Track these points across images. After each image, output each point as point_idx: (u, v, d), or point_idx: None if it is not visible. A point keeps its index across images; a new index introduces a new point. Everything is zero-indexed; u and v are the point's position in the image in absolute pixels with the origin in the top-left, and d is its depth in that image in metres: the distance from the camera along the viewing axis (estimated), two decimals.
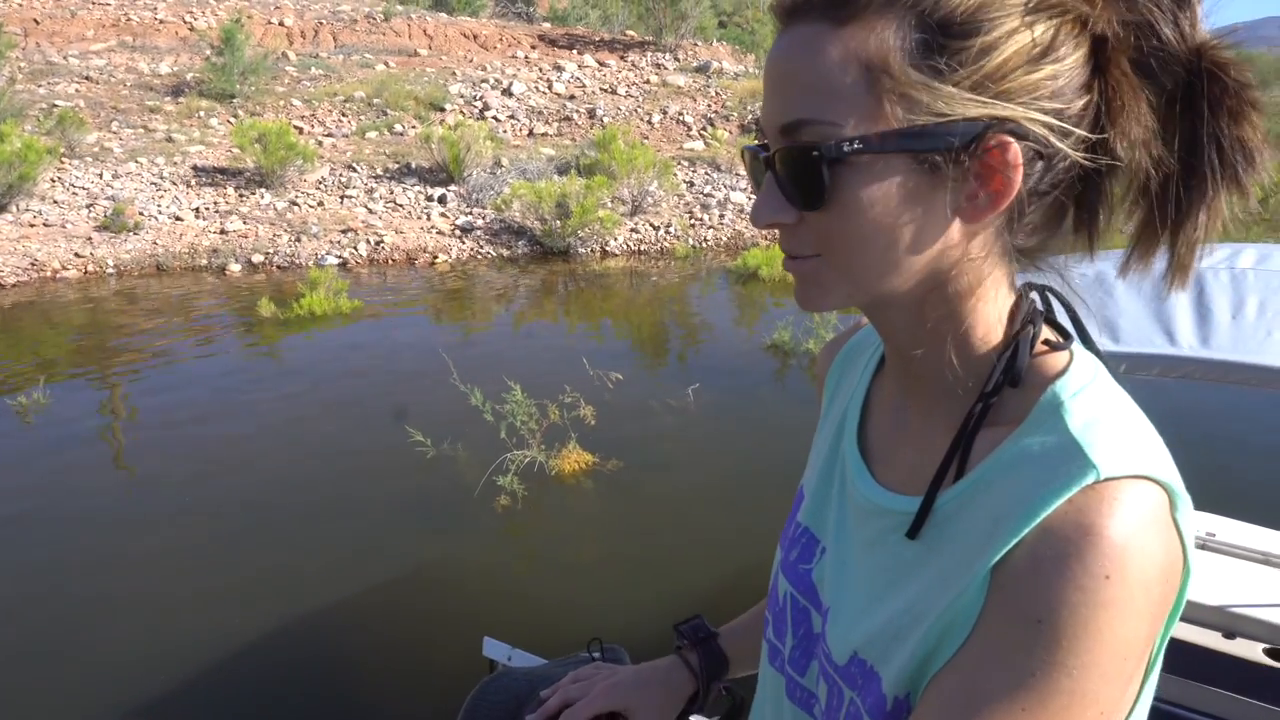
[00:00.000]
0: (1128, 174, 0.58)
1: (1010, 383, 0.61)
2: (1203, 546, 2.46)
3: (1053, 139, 0.56)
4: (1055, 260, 0.64)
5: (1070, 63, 0.56)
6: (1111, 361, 2.02)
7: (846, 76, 0.55)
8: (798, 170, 0.58)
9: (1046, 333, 0.65)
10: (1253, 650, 2.07)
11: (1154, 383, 2.06)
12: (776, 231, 0.63)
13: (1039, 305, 0.65)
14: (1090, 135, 0.56)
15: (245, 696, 3.29)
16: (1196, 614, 2.14)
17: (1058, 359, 0.62)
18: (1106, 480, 0.53)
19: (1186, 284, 0.61)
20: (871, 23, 0.55)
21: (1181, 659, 2.03)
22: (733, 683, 0.98)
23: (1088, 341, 0.67)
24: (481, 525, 4.52)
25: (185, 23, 18.48)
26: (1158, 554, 0.53)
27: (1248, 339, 1.94)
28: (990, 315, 0.63)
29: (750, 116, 15.56)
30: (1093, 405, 0.58)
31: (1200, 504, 2.47)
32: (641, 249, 11.69)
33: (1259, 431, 5.71)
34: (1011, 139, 0.55)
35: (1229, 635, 2.11)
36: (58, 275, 9.46)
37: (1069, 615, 0.51)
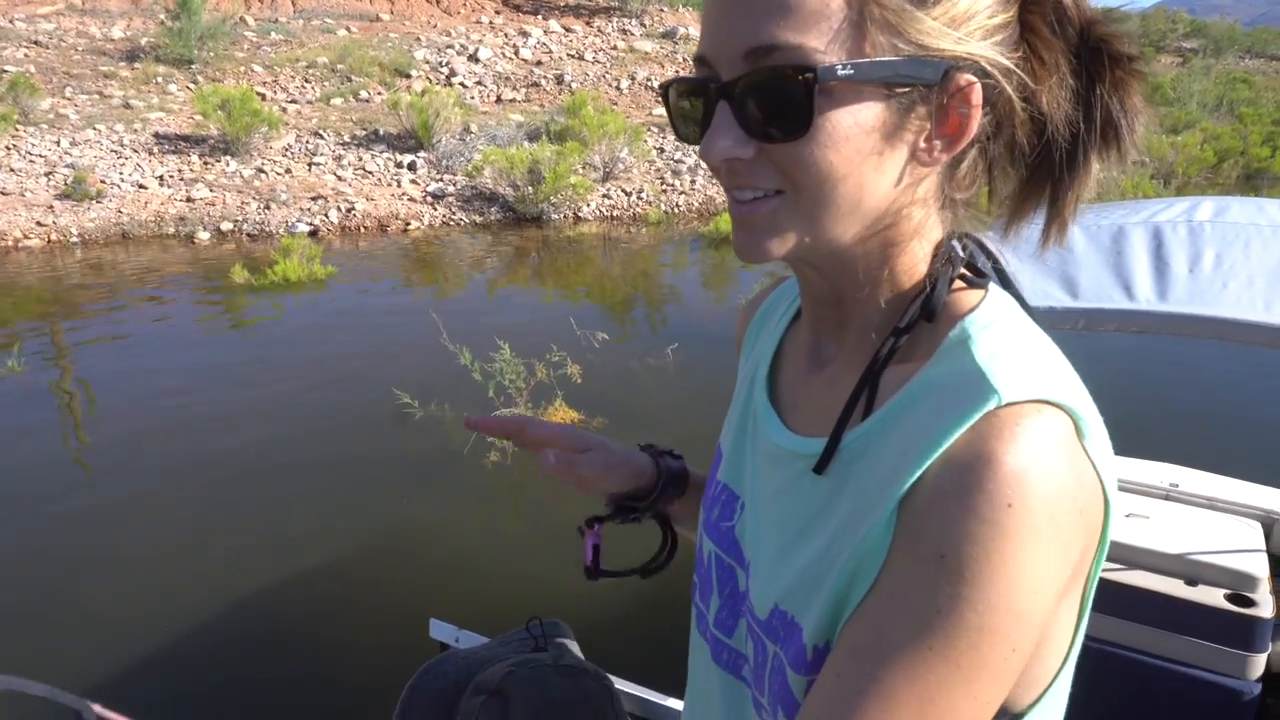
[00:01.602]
0: (1041, 129, 0.59)
1: (926, 318, 0.61)
2: (1166, 497, 2.51)
3: (1005, 83, 0.56)
4: (980, 214, 0.65)
5: (1010, 15, 0.57)
6: (1070, 318, 2.02)
7: (832, 0, 0.53)
8: (774, 96, 0.54)
9: (965, 274, 0.64)
10: (1214, 596, 2.09)
11: (1118, 337, 2.12)
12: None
13: (959, 251, 0.65)
14: (1031, 83, 0.57)
15: (212, 656, 3.28)
16: (1159, 563, 2.17)
17: (970, 296, 0.62)
18: (1008, 405, 0.52)
19: (1064, 239, 0.63)
20: None
21: (1145, 606, 2.10)
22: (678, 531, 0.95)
23: (1008, 285, 0.66)
24: (473, 483, 4.62)
25: None
26: (1064, 480, 0.51)
27: (1204, 292, 1.94)
28: (919, 258, 0.63)
29: None
30: (1000, 336, 0.57)
31: (1164, 455, 2.59)
32: (614, 215, 11.74)
33: (1223, 381, 5.88)
34: (976, 80, 0.55)
35: (1191, 582, 2.13)
36: (20, 245, 9.27)
37: (971, 548, 0.49)
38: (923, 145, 0.57)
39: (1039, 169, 0.61)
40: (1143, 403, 5.41)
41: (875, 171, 0.56)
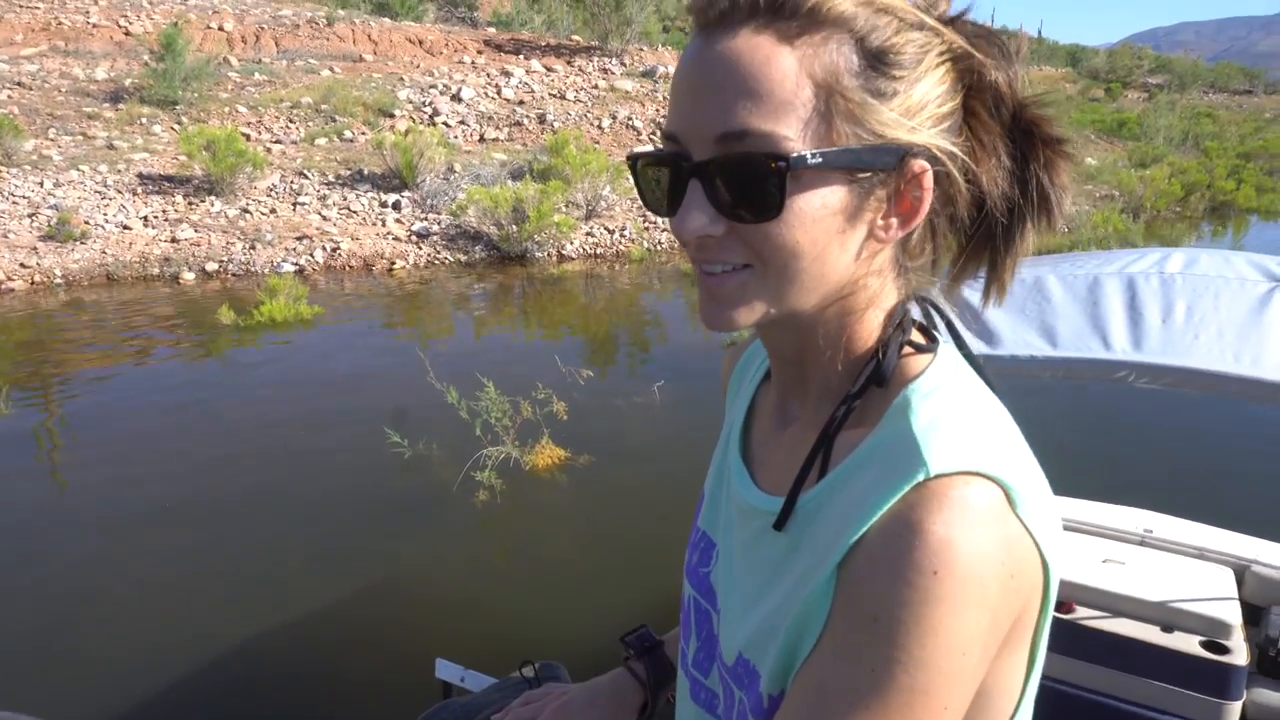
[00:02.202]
0: (980, 204, 0.65)
1: (877, 384, 0.64)
2: (1141, 543, 2.54)
3: (952, 168, 0.61)
4: (932, 277, 0.70)
5: (955, 104, 0.62)
6: (1050, 366, 2.13)
7: (801, 90, 0.56)
8: (747, 180, 0.58)
9: (917, 338, 0.68)
10: (1190, 643, 2.10)
11: (1094, 382, 2.16)
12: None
13: (913, 314, 0.69)
14: (974, 167, 0.63)
15: (213, 700, 3.29)
16: (1135, 609, 2.19)
17: (919, 361, 0.65)
18: (936, 477, 0.54)
19: (1004, 299, 0.69)
20: (819, 41, 0.57)
21: (1121, 653, 2.12)
22: None
23: (961, 346, 0.69)
24: (462, 522, 4.65)
25: (120, 27, 18.07)
26: (989, 549, 0.53)
27: (1177, 342, 1.99)
28: (873, 325, 0.67)
29: None
30: (939, 405, 0.60)
31: (1139, 501, 2.67)
32: (597, 252, 11.87)
33: (1197, 429, 5.94)
34: (929, 165, 0.60)
35: (1167, 629, 2.14)
36: (3, 286, 9.25)
37: (900, 611, 0.52)
38: (880, 223, 0.62)
39: (978, 238, 0.67)
40: (1119, 447, 5.50)
41: (838, 248, 0.61)
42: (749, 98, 0.56)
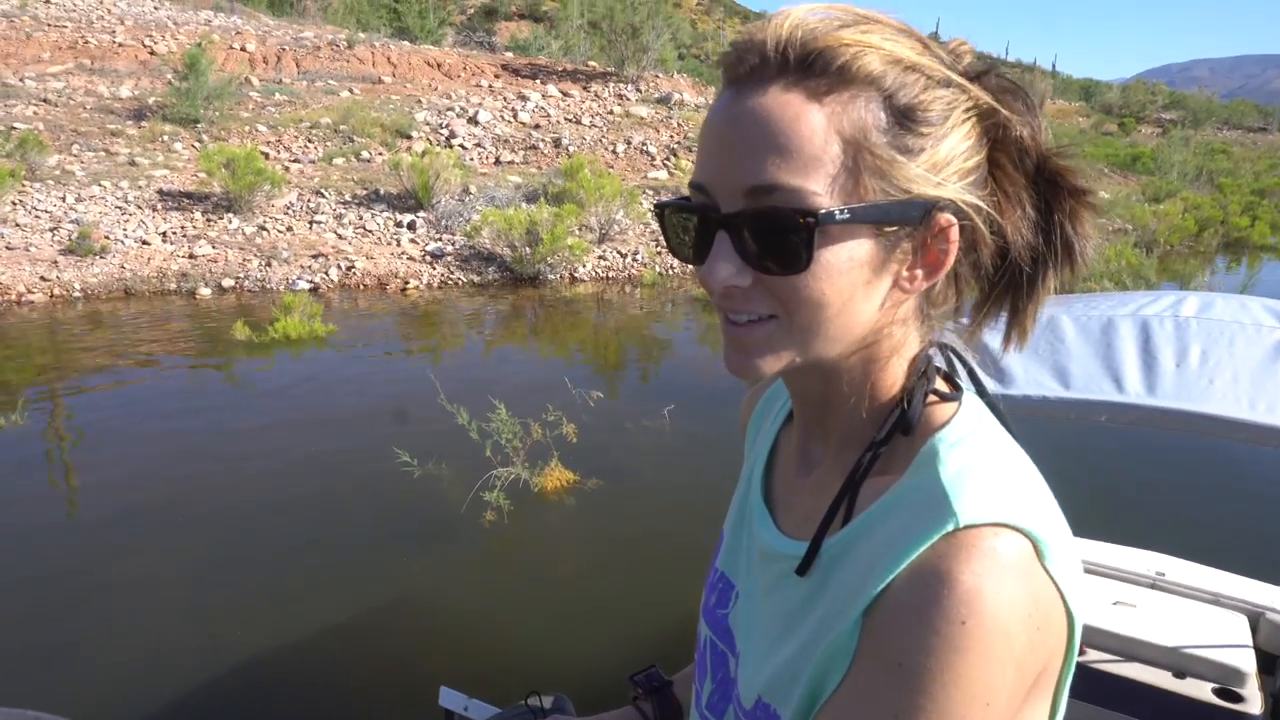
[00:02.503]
0: (1004, 253, 0.66)
1: (903, 431, 0.65)
2: (1153, 586, 2.50)
3: (978, 221, 0.62)
4: (954, 323, 0.71)
5: (981, 158, 0.63)
6: (1062, 407, 2.13)
7: (830, 146, 0.58)
8: (775, 234, 0.59)
9: (941, 386, 0.69)
10: (1202, 690, 2.07)
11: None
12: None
13: (937, 362, 0.70)
14: (999, 219, 0.64)
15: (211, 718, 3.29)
16: (1146, 653, 2.16)
17: (945, 410, 0.66)
18: (966, 528, 0.55)
19: (1025, 345, 0.69)
20: (848, 99, 0.58)
21: (1132, 698, 2.08)
22: None
23: (983, 394, 0.71)
24: (470, 543, 4.66)
25: (145, 46, 18.40)
26: (1017, 601, 0.54)
27: (1191, 387, 1.97)
28: (898, 372, 0.68)
29: None
30: (967, 455, 0.61)
31: (1150, 543, 2.64)
32: (610, 275, 11.94)
33: (1211, 474, 5.86)
34: (954, 219, 0.61)
35: (1179, 675, 2.11)
36: (23, 299, 9.37)
37: (926, 659, 0.52)
38: (905, 275, 0.63)
39: (1001, 285, 0.68)
40: (1131, 489, 5.44)
41: (863, 299, 0.62)
42: (778, 153, 0.58)
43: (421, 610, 4.05)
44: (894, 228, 0.60)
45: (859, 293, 0.61)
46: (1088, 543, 2.71)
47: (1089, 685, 2.15)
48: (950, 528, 0.55)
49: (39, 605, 4.00)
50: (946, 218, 0.61)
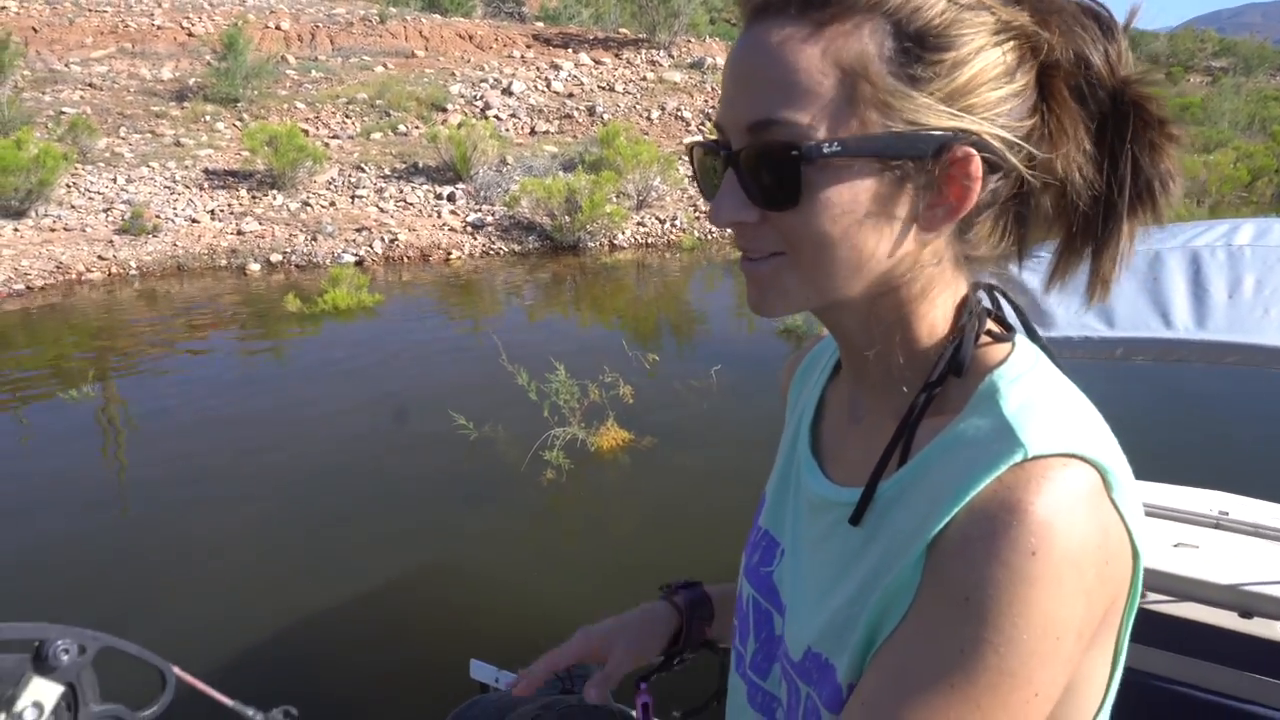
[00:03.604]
0: (1063, 192, 0.61)
1: (954, 372, 0.63)
2: (1216, 526, 2.40)
3: (1008, 154, 0.58)
4: (1003, 266, 0.68)
5: (1023, 84, 0.59)
6: (1107, 347, 2.06)
7: (825, 78, 0.56)
8: (768, 169, 0.58)
9: (992, 328, 0.66)
10: (1271, 629, 2.00)
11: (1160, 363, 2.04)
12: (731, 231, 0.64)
13: (985, 303, 0.67)
14: (1037, 153, 0.59)
15: (263, 667, 3.39)
16: (1211, 594, 2.07)
17: (999, 349, 0.64)
18: (1035, 458, 0.54)
19: (1108, 296, 0.64)
20: (849, 27, 0.56)
21: (1198, 640, 2.01)
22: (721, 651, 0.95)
23: (1033, 336, 0.68)
24: (530, 501, 4.78)
25: (183, 28, 18.62)
26: (1088, 532, 0.53)
27: (1244, 318, 1.87)
28: (938, 317, 0.65)
29: None
30: (1028, 389, 0.59)
31: (1212, 482, 2.61)
32: (649, 242, 11.97)
33: (1271, 408, 5.75)
34: (975, 151, 0.58)
35: (1245, 615, 2.04)
36: (83, 278, 9.66)
37: (995, 591, 0.51)
38: (923, 212, 0.60)
39: (1078, 231, 0.63)
40: (1188, 429, 5.37)
41: (874, 237, 0.59)
42: (775, 87, 0.57)
43: (471, 571, 4.15)
44: (900, 161, 0.58)
45: (867, 230, 0.59)
46: (1146, 484, 2.62)
47: (1150, 628, 2.09)
48: (1018, 458, 0.54)
49: (106, 559, 4.20)
50: (964, 150, 0.57)
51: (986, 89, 0.57)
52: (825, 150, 0.56)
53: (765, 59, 0.57)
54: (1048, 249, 0.67)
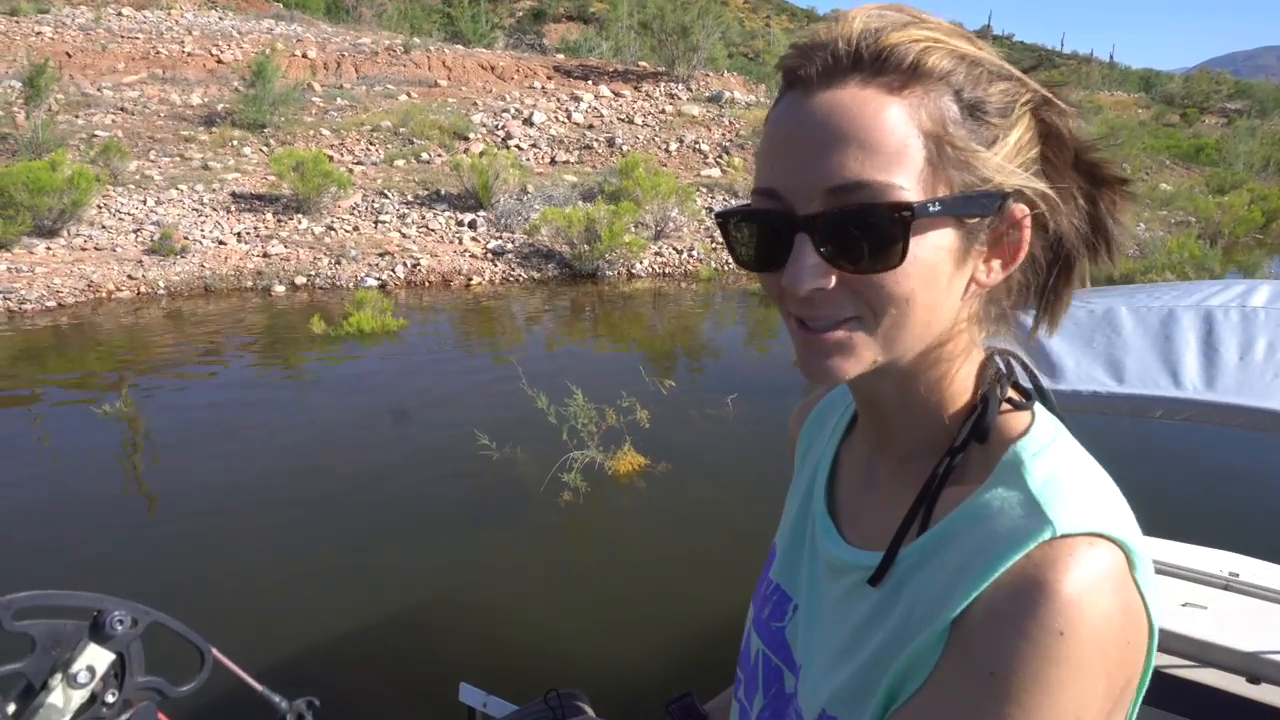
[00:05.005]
0: (1058, 245, 0.67)
1: (978, 439, 0.64)
2: (1226, 587, 2.37)
3: (1046, 210, 0.63)
4: (1017, 323, 0.71)
5: (1038, 151, 0.64)
6: (1114, 403, 2.08)
7: (912, 140, 0.58)
8: (864, 231, 0.58)
9: (1012, 395, 0.68)
10: (1278, 696, 1.97)
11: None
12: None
13: (1003, 369, 0.69)
14: (1063, 207, 0.64)
15: (281, 667, 3.47)
16: (1219, 657, 2.05)
17: (1020, 419, 0.65)
18: (1063, 537, 0.55)
19: (1054, 333, 0.70)
20: (923, 93, 0.59)
21: (1204, 704, 1.98)
22: None
23: (1048, 403, 0.69)
24: (548, 522, 4.87)
25: (212, 55, 19.08)
26: (1113, 613, 0.54)
27: (1254, 381, 1.86)
28: (966, 376, 0.67)
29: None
30: (1053, 463, 0.61)
31: (1222, 543, 2.63)
32: (666, 271, 12.13)
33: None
34: (1028, 208, 0.62)
35: (1253, 680, 2.01)
36: (112, 296, 9.88)
37: (1020, 668, 0.52)
38: (982, 267, 0.63)
39: (1053, 274, 0.69)
40: (1193, 489, 5.29)
41: (946, 294, 0.62)
42: (860, 149, 0.57)
43: (480, 594, 4.20)
44: (975, 219, 0.61)
45: (943, 287, 0.61)
46: (1155, 541, 2.59)
47: (1158, 690, 2.01)
48: (1047, 536, 0.55)
49: (138, 565, 4.31)
50: (1021, 207, 0.62)
51: (1024, 151, 0.62)
52: (931, 210, 0.58)
53: (841, 121, 0.58)
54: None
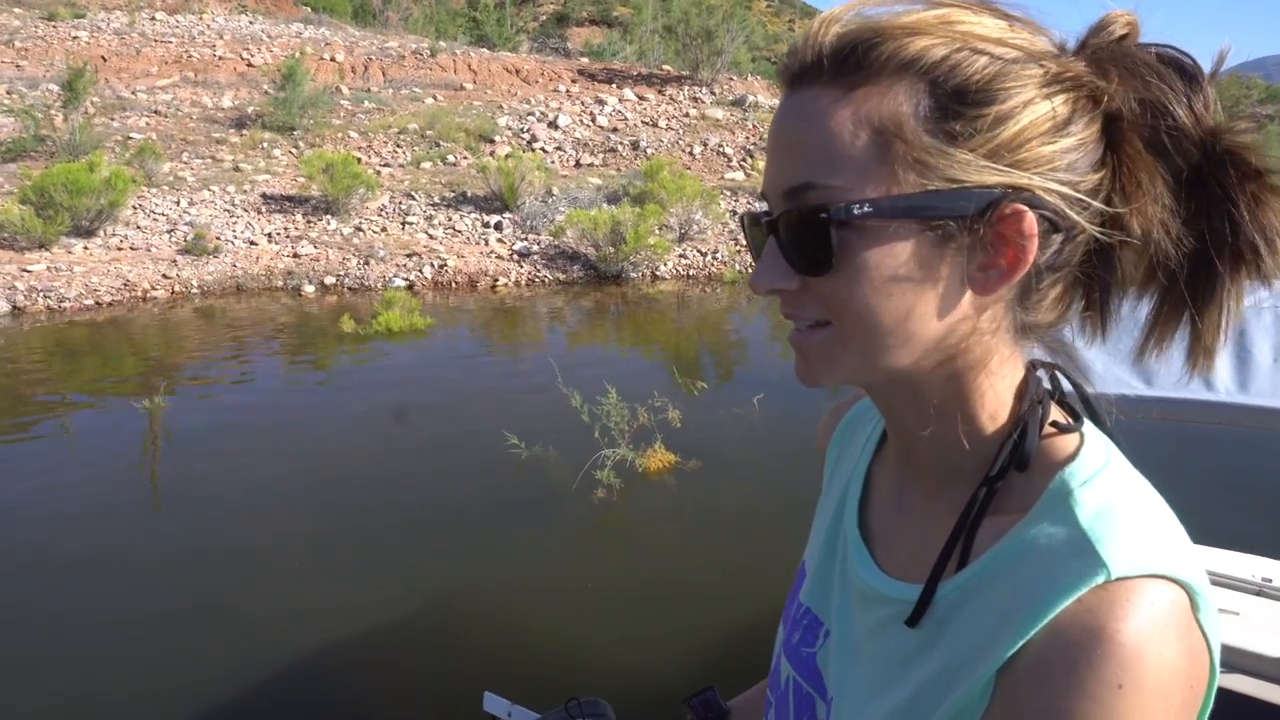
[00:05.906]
0: (1144, 251, 0.57)
1: (1017, 467, 0.59)
2: (1258, 593, 2.33)
3: (1068, 211, 0.55)
4: (1067, 340, 0.63)
5: (1084, 137, 0.55)
6: (1144, 407, 2.08)
7: (858, 140, 0.55)
8: (803, 233, 0.57)
9: (1055, 413, 0.62)
10: None
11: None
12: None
13: (1047, 384, 0.63)
14: (1105, 209, 0.56)
15: (311, 677, 3.48)
16: (1252, 664, 2.01)
17: (1067, 442, 0.60)
18: (1120, 580, 0.50)
19: (1211, 367, 0.59)
20: (883, 87, 0.55)
21: (1236, 712, 1.93)
22: None
23: (1100, 423, 0.64)
24: (580, 518, 4.94)
25: (243, 59, 19.38)
26: (1177, 660, 0.49)
27: None
28: (998, 394, 0.61)
29: None
30: (1104, 495, 0.55)
31: (1257, 547, 2.61)
32: (690, 274, 12.19)
33: None
34: (1026, 208, 0.54)
35: None
36: (148, 295, 10.09)
37: None
38: (977, 275, 0.57)
39: (1169, 294, 0.59)
40: (1229, 491, 5.23)
41: (918, 301, 0.56)
42: (809, 151, 0.56)
43: (510, 594, 4.24)
44: (940, 221, 0.55)
45: (908, 293, 0.56)
46: None
47: None
48: (1101, 579, 0.50)
49: (177, 559, 4.43)
50: (1014, 206, 0.54)
51: (1038, 143, 0.54)
52: (856, 211, 0.55)
53: (800, 124, 0.57)
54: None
